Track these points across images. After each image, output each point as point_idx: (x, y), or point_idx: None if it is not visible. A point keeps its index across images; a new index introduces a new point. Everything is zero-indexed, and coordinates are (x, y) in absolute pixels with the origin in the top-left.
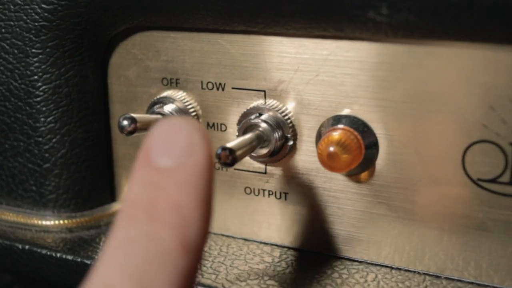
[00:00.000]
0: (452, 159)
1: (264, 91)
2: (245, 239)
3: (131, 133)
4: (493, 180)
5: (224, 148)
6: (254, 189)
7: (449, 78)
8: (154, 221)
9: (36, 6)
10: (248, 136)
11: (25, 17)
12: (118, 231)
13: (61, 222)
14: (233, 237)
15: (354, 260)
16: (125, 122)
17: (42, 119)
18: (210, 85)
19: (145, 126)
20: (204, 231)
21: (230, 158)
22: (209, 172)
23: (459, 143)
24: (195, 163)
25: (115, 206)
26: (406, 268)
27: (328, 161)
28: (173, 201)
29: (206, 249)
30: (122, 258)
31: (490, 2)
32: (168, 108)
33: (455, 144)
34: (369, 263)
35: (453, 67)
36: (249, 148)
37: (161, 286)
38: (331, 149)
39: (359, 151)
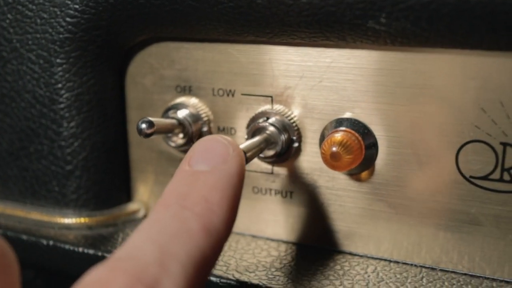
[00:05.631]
0: (447, 158)
1: (271, 96)
2: (253, 236)
3: (149, 135)
4: (485, 177)
5: None
6: (261, 188)
7: (443, 82)
8: (183, 208)
9: (61, 20)
10: (256, 138)
11: (50, 30)
12: (152, 214)
13: (82, 220)
14: (242, 234)
15: (355, 254)
16: (144, 125)
17: (65, 125)
18: (220, 92)
19: (161, 130)
20: (226, 222)
21: None
22: (238, 178)
23: (452, 143)
24: (226, 170)
25: (131, 206)
26: (403, 261)
27: (331, 161)
28: (202, 195)
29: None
30: (151, 231)
31: (480, 12)
32: (182, 113)
33: (449, 144)
34: (369, 257)
35: (447, 72)
36: (258, 150)
37: (179, 255)
38: (334, 149)
39: (360, 151)
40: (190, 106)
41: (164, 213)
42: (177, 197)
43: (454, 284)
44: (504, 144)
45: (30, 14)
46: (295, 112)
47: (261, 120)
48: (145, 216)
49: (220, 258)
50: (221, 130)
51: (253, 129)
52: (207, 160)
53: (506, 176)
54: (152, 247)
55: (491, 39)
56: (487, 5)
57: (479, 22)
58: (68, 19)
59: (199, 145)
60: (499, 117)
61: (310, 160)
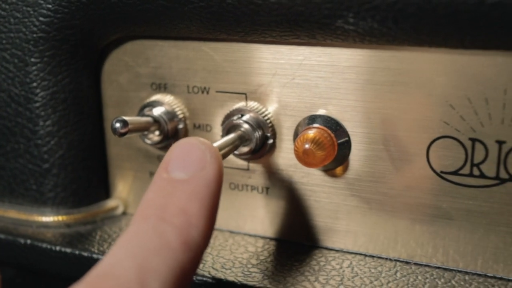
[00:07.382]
0: (417, 154)
1: (245, 94)
2: (231, 231)
3: (123, 134)
4: (455, 172)
5: None
6: (238, 184)
7: (411, 79)
8: (162, 221)
9: (34, 19)
10: (231, 136)
11: (24, 29)
12: (131, 226)
13: (60, 218)
14: (220, 230)
15: (331, 249)
16: (118, 125)
17: (41, 123)
18: (195, 89)
19: (136, 128)
20: (205, 234)
21: None
22: (216, 185)
23: (423, 139)
24: (204, 177)
25: (110, 203)
26: (379, 256)
27: (304, 157)
28: (181, 207)
29: (206, 251)
30: (130, 245)
31: (444, 11)
32: (157, 111)
33: (420, 140)
34: (345, 252)
35: (415, 70)
36: (232, 147)
37: (158, 272)
38: (307, 146)
39: (333, 148)
40: (165, 103)
41: (143, 225)
42: (156, 208)
43: (427, 277)
44: (473, 140)
45: (3, 13)
46: (269, 109)
47: (235, 117)
48: (123, 213)
49: None
50: (197, 127)
51: (228, 126)
52: (185, 167)
53: (476, 171)
54: (132, 263)
55: (455, 37)
56: (450, 4)
57: (443, 21)
58: (41, 18)
59: (176, 150)
60: (467, 113)
61: (285, 156)
